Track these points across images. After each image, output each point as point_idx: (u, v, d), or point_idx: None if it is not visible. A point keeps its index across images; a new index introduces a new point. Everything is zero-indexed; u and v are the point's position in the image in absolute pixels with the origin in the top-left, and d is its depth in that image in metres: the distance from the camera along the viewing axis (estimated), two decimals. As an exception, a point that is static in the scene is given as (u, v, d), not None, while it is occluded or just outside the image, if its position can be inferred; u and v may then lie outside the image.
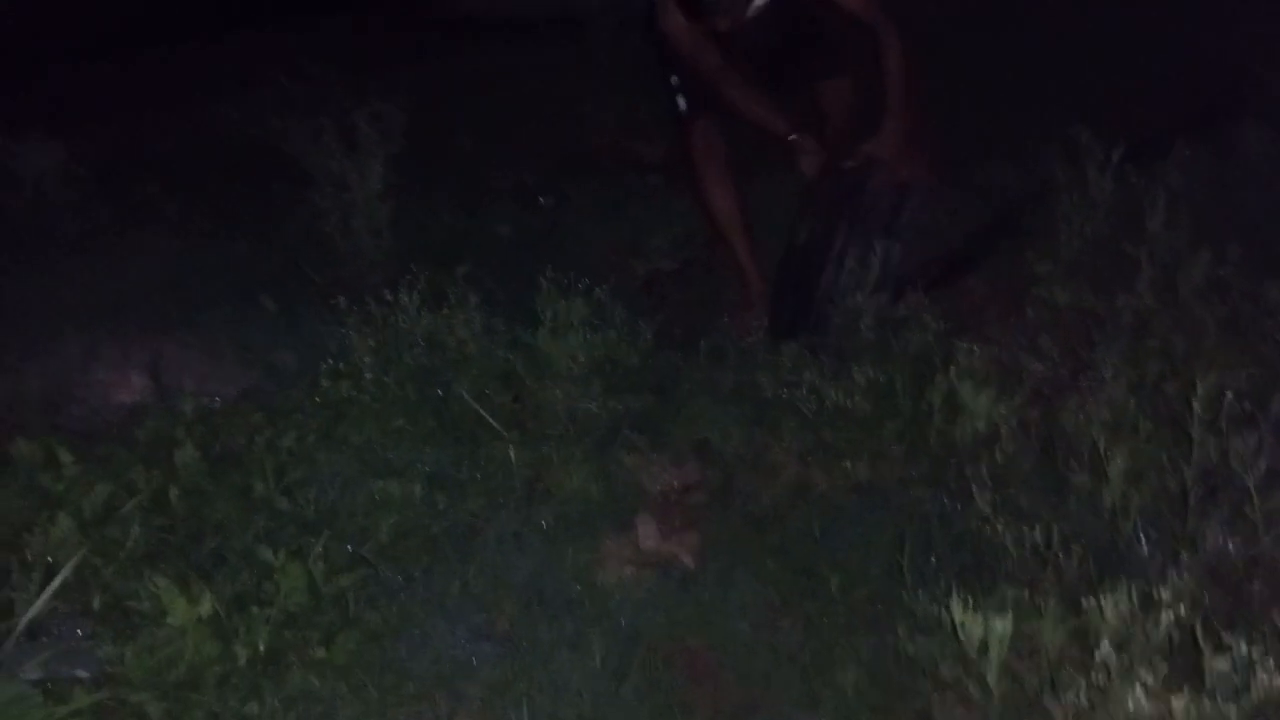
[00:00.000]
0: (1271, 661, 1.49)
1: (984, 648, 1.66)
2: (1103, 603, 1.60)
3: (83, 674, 1.86)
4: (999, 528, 1.98)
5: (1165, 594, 1.62)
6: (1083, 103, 3.35)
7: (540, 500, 2.45)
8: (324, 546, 2.10)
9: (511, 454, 2.52)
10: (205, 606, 1.92)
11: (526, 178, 4.32)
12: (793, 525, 2.37)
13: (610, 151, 4.72)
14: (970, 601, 1.70)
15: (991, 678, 1.69)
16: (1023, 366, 2.44)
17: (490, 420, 2.60)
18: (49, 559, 2.02)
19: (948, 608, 1.74)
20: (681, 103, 3.08)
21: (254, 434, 2.44)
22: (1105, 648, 1.59)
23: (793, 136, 2.90)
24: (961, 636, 1.68)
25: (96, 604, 2.00)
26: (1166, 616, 1.60)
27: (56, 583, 1.91)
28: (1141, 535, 1.99)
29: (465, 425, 2.61)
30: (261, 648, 1.92)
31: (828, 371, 2.55)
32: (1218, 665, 1.53)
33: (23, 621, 1.85)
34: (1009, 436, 2.24)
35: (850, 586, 2.17)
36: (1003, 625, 1.64)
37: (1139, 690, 1.53)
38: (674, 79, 3.08)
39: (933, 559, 2.10)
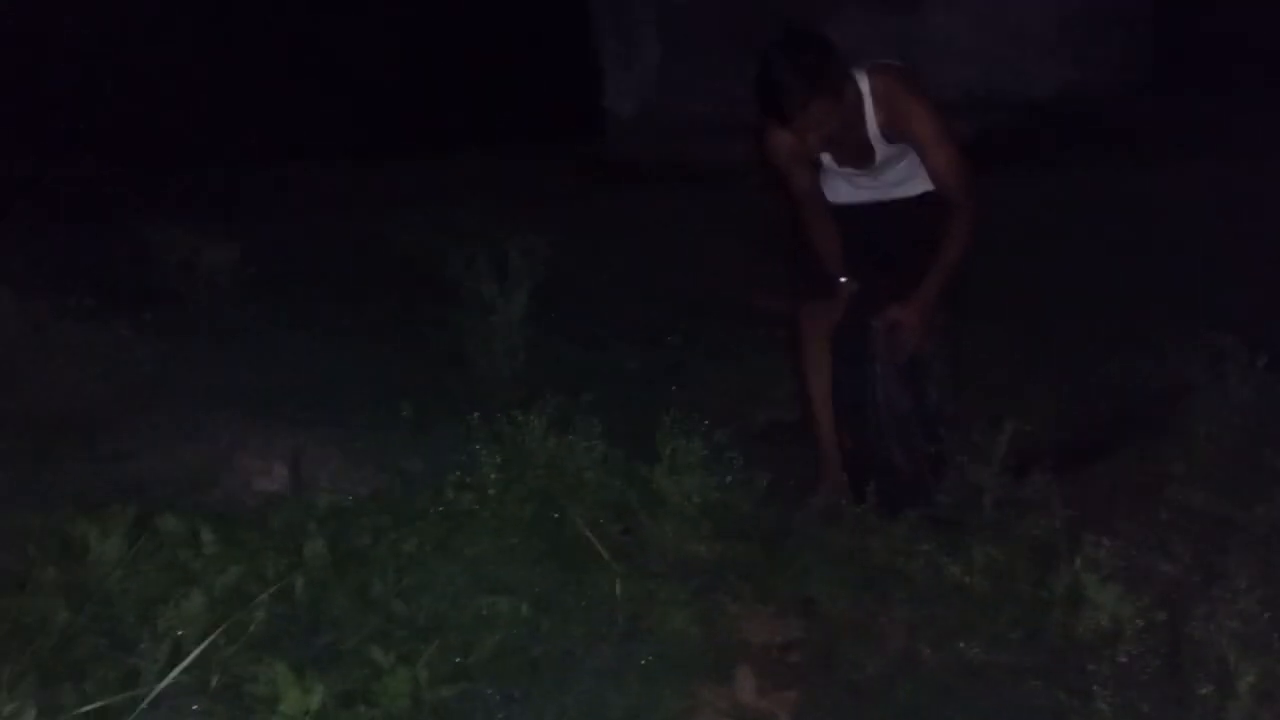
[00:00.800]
0: None
1: None
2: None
3: (195, 750, 1.93)
4: (1118, 732, 1.90)
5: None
6: (1228, 305, 3.32)
7: (641, 637, 2.46)
8: (431, 655, 2.15)
9: (617, 586, 2.55)
10: (315, 700, 1.97)
11: (656, 318, 4.48)
12: (898, 699, 2.31)
13: (740, 301, 4.86)
14: (1082, 806, 1.63)
15: None
16: (1152, 567, 2.37)
17: (600, 549, 2.65)
18: (179, 632, 2.12)
19: (1057, 809, 1.67)
20: (799, 279, 3.16)
21: (379, 535, 2.54)
22: None
23: (843, 279, 2.95)
24: (1071, 842, 1.61)
25: (215, 682, 2.08)
26: None
27: (188, 661, 2.00)
28: (1269, 759, 1.88)
29: (576, 551, 2.66)
30: (362, 748, 1.96)
31: (945, 544, 2.52)
32: None
33: (152, 693, 1.93)
34: (1133, 637, 2.16)
35: (954, 771, 2.10)
36: (1117, 836, 1.56)
37: None
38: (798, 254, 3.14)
39: (1044, 756, 2.02)
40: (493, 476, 2.79)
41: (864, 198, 3.04)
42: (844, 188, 3.05)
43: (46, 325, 3.19)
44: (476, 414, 2.93)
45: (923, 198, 3.00)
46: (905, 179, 2.99)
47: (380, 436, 3.08)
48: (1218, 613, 2.12)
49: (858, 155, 2.88)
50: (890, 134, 2.83)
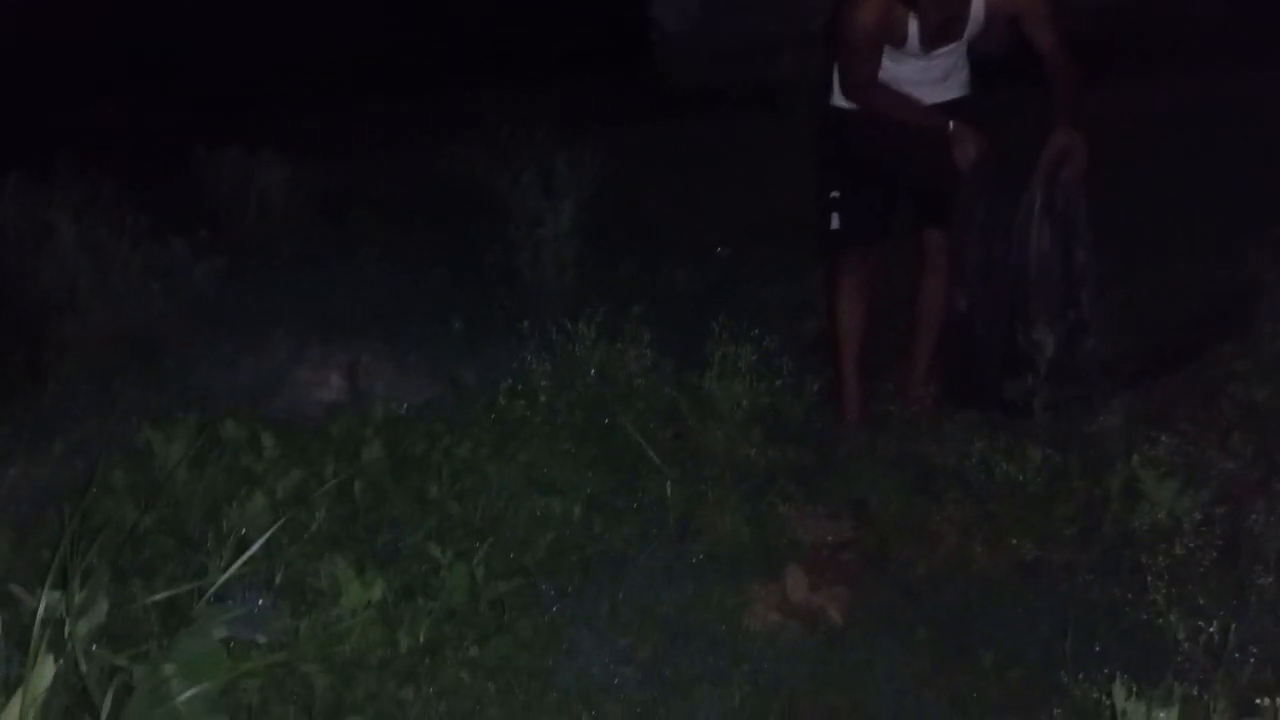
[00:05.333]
0: None
1: (1146, 738, 1.58)
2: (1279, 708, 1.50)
3: (261, 639, 2.00)
4: (1173, 621, 1.89)
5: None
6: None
7: (692, 538, 2.49)
8: (487, 552, 2.20)
9: (668, 489, 2.57)
10: (376, 593, 2.03)
11: (706, 235, 4.44)
12: (949, 597, 2.32)
13: (787, 218, 4.77)
14: (1134, 690, 1.62)
15: (1150, 771, 1.60)
16: (1211, 463, 2.33)
17: (651, 454, 2.67)
18: (243, 531, 2.19)
19: (1109, 695, 1.66)
20: (835, 220, 3.03)
21: (434, 441, 2.59)
22: (1279, 756, 1.49)
23: (951, 125, 2.84)
24: (1122, 724, 1.61)
25: (279, 578, 2.15)
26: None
27: (248, 554, 2.07)
28: (1328, 647, 1.85)
29: (627, 456, 2.69)
30: (422, 638, 2.02)
31: (1000, 445, 2.50)
32: None
33: (217, 584, 2.01)
34: (1191, 531, 2.13)
35: (1005, 665, 2.10)
36: (1167, 716, 1.56)
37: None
38: (834, 194, 3.02)
39: (1097, 646, 2.01)
40: (543, 384, 2.82)
41: (926, 101, 2.95)
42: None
43: (105, 246, 3.26)
44: (526, 323, 2.95)
45: (963, 102, 2.96)
46: (954, 70, 2.92)
47: (433, 349, 3.12)
48: (1278, 506, 2.08)
49: (947, 27, 2.77)
50: (994, 12, 2.77)
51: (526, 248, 3.53)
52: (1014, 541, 2.36)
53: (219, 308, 3.34)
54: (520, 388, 2.79)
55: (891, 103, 2.87)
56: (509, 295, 3.50)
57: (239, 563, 2.04)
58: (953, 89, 2.96)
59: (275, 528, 2.12)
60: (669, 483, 2.57)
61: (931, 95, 2.92)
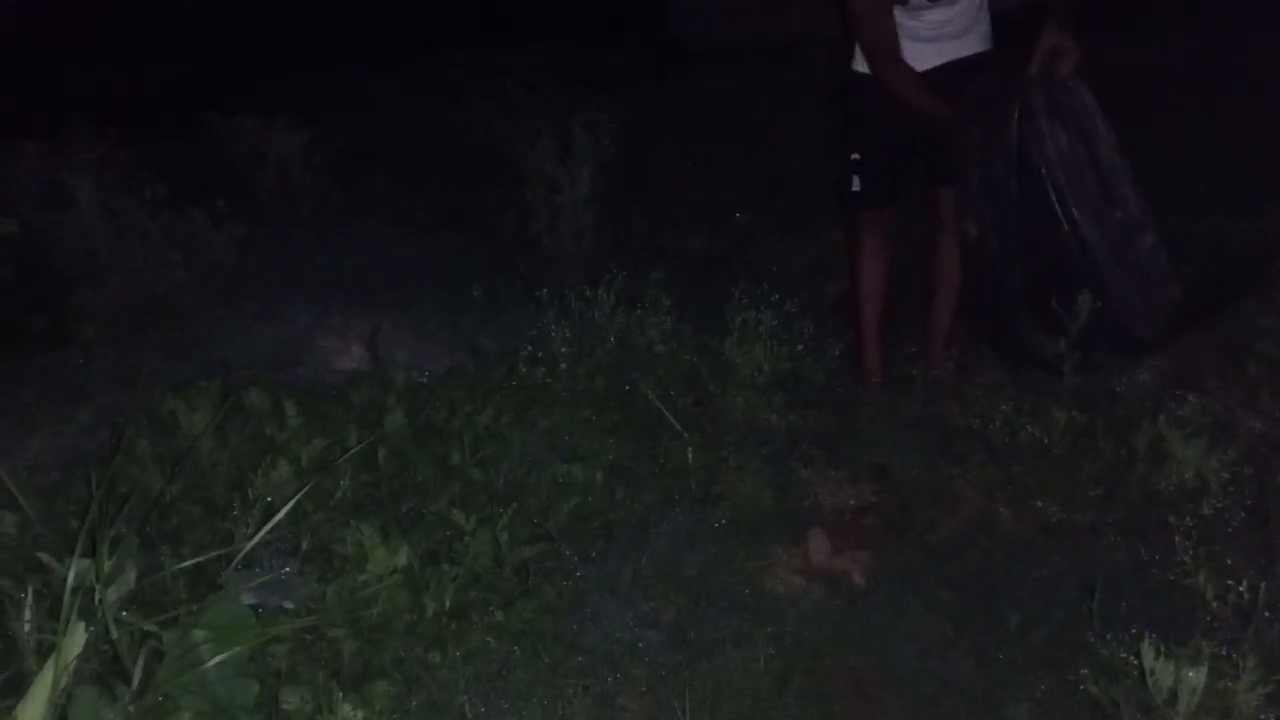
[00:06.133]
0: None
1: (1173, 698, 1.58)
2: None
3: (289, 605, 2.02)
4: (1201, 581, 1.87)
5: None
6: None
7: (714, 503, 2.49)
8: (510, 518, 2.20)
9: (690, 455, 2.57)
10: (402, 558, 2.05)
11: (724, 196, 4.41)
12: (972, 558, 2.31)
13: (805, 176, 4.73)
14: (1162, 649, 1.62)
15: (1178, 730, 1.60)
16: (1239, 421, 2.30)
17: (672, 420, 2.67)
18: (268, 499, 2.20)
19: (1137, 654, 1.66)
20: (856, 182, 2.99)
21: (455, 408, 2.59)
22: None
23: (950, 114, 2.75)
24: (1149, 684, 1.60)
25: (305, 545, 2.17)
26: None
27: (274, 521, 2.08)
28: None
29: (648, 422, 2.69)
30: (447, 603, 2.03)
31: (1024, 406, 2.48)
32: None
33: (244, 550, 2.02)
34: (1218, 491, 2.11)
35: (1030, 626, 2.10)
36: (1196, 676, 1.55)
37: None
38: (854, 156, 2.98)
39: (1124, 607, 2.00)
40: (563, 351, 2.82)
41: (937, 60, 2.90)
42: (922, 49, 2.91)
43: (124, 214, 3.26)
44: (545, 290, 2.94)
45: (985, 56, 2.89)
46: (974, 24, 2.85)
47: (453, 316, 3.12)
48: (1308, 465, 2.06)
49: None
50: None
51: (544, 214, 3.51)
52: (1038, 503, 2.35)
53: (239, 275, 3.34)
54: (540, 355, 2.79)
55: (905, 85, 2.80)
56: (527, 261, 3.49)
57: (265, 530, 2.06)
58: (971, 44, 2.90)
59: (300, 495, 2.14)
60: (690, 448, 2.57)
61: (951, 51, 2.87)
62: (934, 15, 2.80)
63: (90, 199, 3.18)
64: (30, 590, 1.79)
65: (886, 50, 2.79)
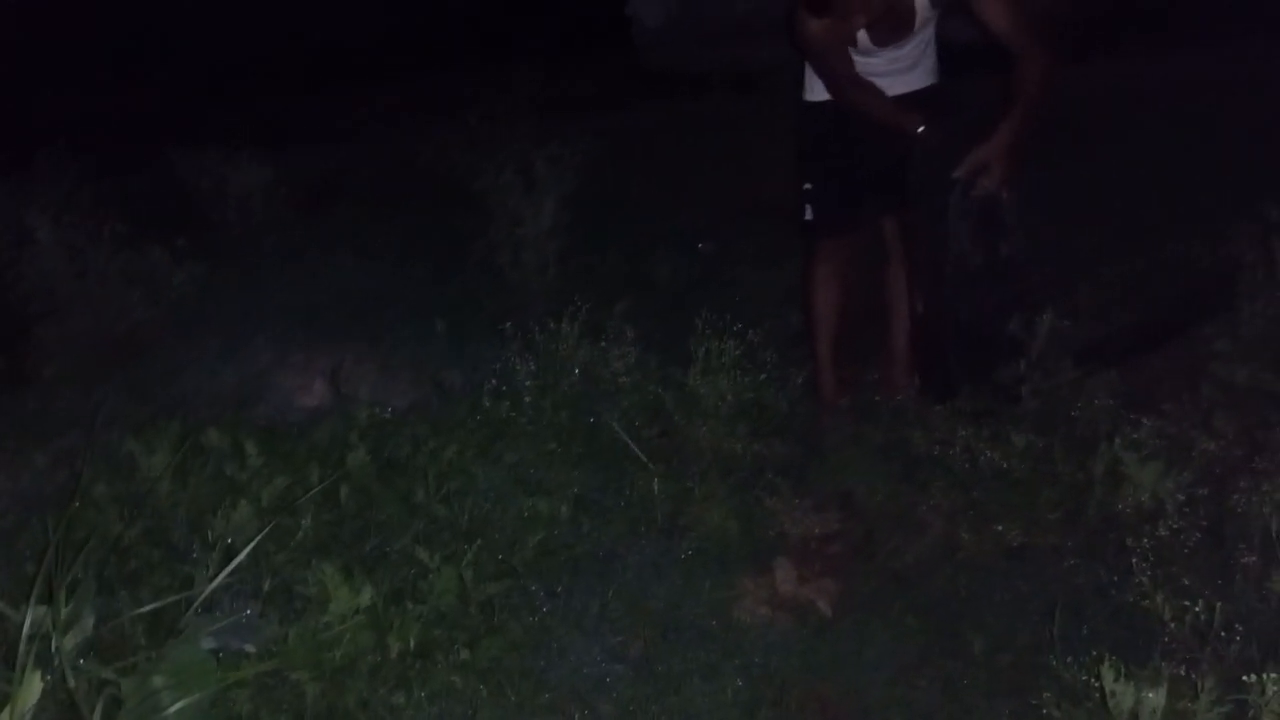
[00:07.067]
0: None
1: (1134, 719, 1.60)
2: (1266, 684, 1.51)
3: (250, 648, 1.99)
4: (1159, 602, 1.90)
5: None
6: (1276, 180, 3.20)
7: (680, 534, 2.49)
8: (475, 554, 2.20)
9: (655, 486, 2.57)
10: (365, 598, 2.03)
11: (690, 225, 4.44)
12: (937, 584, 2.33)
13: (772, 204, 4.77)
14: (1123, 671, 1.64)
15: (1139, 752, 1.62)
16: (1194, 443, 2.34)
17: (637, 451, 2.67)
18: (229, 540, 2.18)
19: (1098, 677, 1.68)
20: (809, 211, 3.04)
21: (419, 444, 2.58)
22: (1266, 734, 1.51)
23: (921, 129, 2.83)
24: (1110, 706, 1.62)
25: (266, 586, 2.15)
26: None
27: (235, 563, 2.06)
28: (1313, 625, 1.87)
29: (613, 454, 2.69)
30: (412, 643, 2.02)
31: (984, 433, 2.51)
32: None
33: (204, 594, 2.00)
34: (1175, 513, 2.14)
35: (994, 650, 2.12)
36: (1155, 697, 1.57)
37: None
38: (807, 185, 3.04)
39: (1085, 629, 2.02)
40: (528, 384, 2.82)
41: (890, 93, 2.96)
42: (876, 84, 2.96)
43: (84, 252, 3.23)
44: (509, 324, 2.95)
45: (932, 90, 2.95)
46: (921, 59, 2.91)
47: (416, 350, 3.11)
48: (1261, 484, 2.09)
49: (894, 25, 2.77)
50: None
51: (508, 246, 3.52)
52: (1000, 527, 2.37)
53: (200, 313, 3.32)
54: (504, 388, 2.79)
55: (866, 100, 2.86)
56: (491, 294, 3.49)
57: (226, 572, 2.04)
58: (921, 77, 2.96)
59: (261, 536, 2.12)
60: (656, 479, 2.57)
61: (900, 85, 2.93)
62: (885, 53, 2.86)
63: (50, 237, 3.15)
64: (-16, 639, 1.76)
65: (845, 75, 2.85)
